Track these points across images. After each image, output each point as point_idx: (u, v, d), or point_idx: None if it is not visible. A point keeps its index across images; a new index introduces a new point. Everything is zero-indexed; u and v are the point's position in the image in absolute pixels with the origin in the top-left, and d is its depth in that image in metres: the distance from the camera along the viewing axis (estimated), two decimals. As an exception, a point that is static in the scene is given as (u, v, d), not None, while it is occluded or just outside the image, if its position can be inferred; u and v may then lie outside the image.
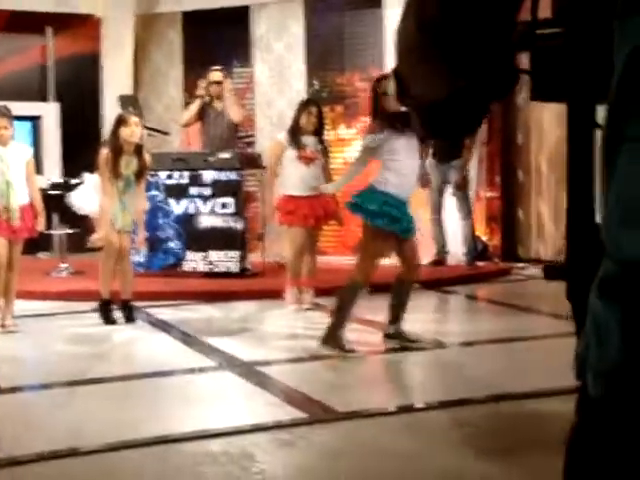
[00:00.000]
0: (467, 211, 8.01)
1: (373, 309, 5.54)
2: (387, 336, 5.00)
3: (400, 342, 4.94)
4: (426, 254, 8.08)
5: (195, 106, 7.97)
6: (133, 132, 5.71)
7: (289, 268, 6.41)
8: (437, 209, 8.06)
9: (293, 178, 6.29)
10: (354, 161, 5.35)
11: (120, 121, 5.76)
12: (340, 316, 4.81)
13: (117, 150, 5.71)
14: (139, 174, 5.80)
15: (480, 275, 7.84)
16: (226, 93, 7.91)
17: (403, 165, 4.78)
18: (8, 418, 3.87)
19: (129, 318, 5.91)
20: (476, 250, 8.11)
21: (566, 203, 1.07)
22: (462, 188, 7.96)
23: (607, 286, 0.71)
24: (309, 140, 6.26)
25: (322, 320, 5.87)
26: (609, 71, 0.72)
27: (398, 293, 4.93)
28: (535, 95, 0.96)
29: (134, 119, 5.76)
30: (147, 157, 5.88)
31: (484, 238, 8.58)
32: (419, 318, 6.18)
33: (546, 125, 8.33)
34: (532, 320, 6.25)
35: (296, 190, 6.24)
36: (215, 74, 7.99)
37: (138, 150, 5.79)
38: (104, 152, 5.75)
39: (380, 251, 4.84)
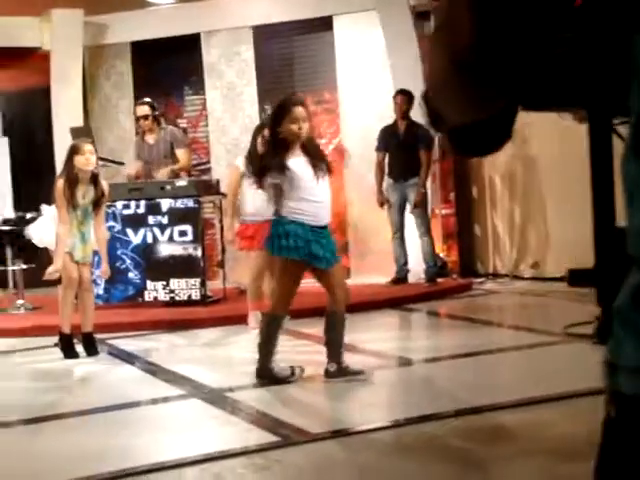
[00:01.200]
0: (426, 228, 8.09)
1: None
2: (327, 375, 4.69)
3: (344, 377, 4.67)
4: (388, 273, 8.15)
5: (136, 164, 7.92)
6: (88, 160, 5.65)
7: (250, 292, 6.40)
8: (398, 227, 8.13)
9: (251, 203, 6.30)
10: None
11: (74, 150, 5.71)
12: (266, 349, 4.68)
13: (73, 180, 5.65)
14: (97, 203, 5.75)
15: (441, 291, 7.91)
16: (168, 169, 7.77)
17: (312, 192, 4.55)
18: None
19: (91, 351, 5.83)
20: (436, 267, 8.19)
21: (591, 211, 1.09)
22: (421, 206, 8.05)
23: None
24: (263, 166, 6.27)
25: (287, 343, 5.86)
26: (626, 84, 0.74)
27: (329, 327, 4.69)
28: (525, 105, 0.98)
29: (88, 147, 5.71)
30: (104, 185, 5.83)
31: (442, 255, 8.66)
32: (383, 337, 6.21)
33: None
34: (494, 333, 6.32)
35: (254, 215, 6.25)
36: (140, 108, 7.84)
37: (94, 179, 5.74)
38: (60, 182, 5.69)
39: (292, 281, 4.61)
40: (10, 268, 8.47)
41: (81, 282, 5.74)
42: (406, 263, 8.14)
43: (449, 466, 3.33)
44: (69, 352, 5.77)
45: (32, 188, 8.36)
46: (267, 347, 4.69)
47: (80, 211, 5.70)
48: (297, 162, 4.57)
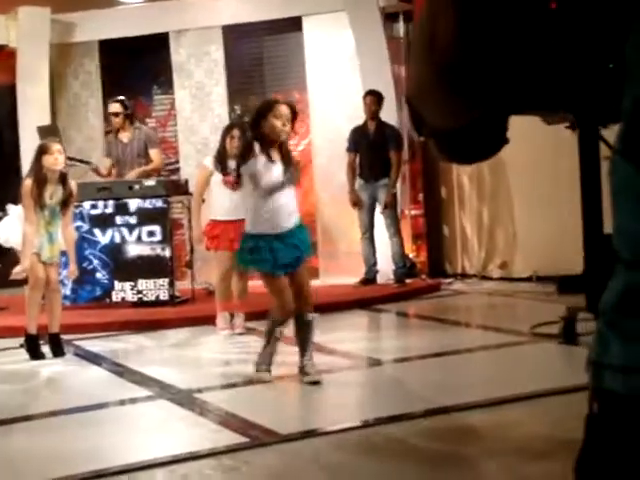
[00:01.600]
0: (396, 229, 8.12)
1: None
2: (302, 372, 4.71)
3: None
4: (357, 273, 8.17)
5: (106, 162, 7.92)
6: (56, 160, 5.60)
7: (218, 293, 6.39)
8: (367, 228, 8.15)
9: (219, 202, 6.29)
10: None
11: (42, 150, 5.65)
12: (266, 348, 4.73)
13: (41, 179, 5.59)
14: (65, 203, 5.69)
15: (410, 292, 7.94)
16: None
17: (275, 196, 4.54)
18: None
19: (58, 352, 5.77)
20: (405, 267, 8.22)
21: (582, 220, 1.10)
22: (391, 206, 8.08)
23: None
24: (234, 164, 6.27)
25: (255, 344, 5.85)
26: (617, 94, 0.75)
27: (297, 328, 4.72)
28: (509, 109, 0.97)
29: (57, 147, 5.66)
30: (73, 185, 5.77)
31: (411, 255, 8.70)
32: (352, 337, 6.22)
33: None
34: (463, 333, 6.36)
35: (222, 215, 6.24)
36: (112, 105, 7.86)
37: (63, 178, 5.69)
38: (27, 182, 5.62)
39: (278, 287, 4.60)
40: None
41: (48, 282, 5.68)
42: (375, 264, 8.16)
43: (418, 466, 3.34)
44: (35, 353, 5.71)
45: (-2, 187, 8.24)
46: (267, 348, 4.73)
47: (48, 211, 5.64)
48: (265, 162, 4.54)
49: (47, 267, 5.68)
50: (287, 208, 4.61)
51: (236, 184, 5.53)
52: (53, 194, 5.65)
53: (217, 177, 6.29)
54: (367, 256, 8.16)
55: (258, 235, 4.58)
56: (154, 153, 7.82)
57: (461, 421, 3.90)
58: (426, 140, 0.96)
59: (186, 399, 4.49)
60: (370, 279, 8.14)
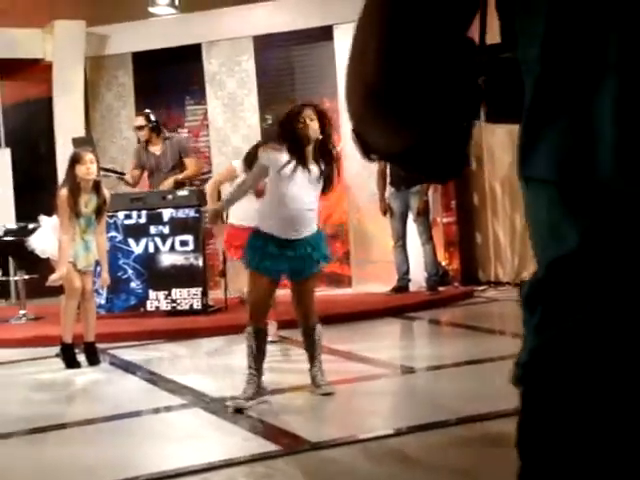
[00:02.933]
0: (428, 236, 8.10)
1: (345, 338, 5.55)
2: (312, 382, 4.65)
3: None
4: (389, 281, 8.15)
5: (133, 172, 7.97)
6: (89, 169, 5.68)
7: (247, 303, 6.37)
8: (400, 236, 8.12)
9: (241, 207, 6.27)
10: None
11: (75, 159, 5.74)
12: (248, 364, 4.59)
13: (75, 189, 5.67)
14: (99, 211, 5.78)
15: (442, 300, 7.91)
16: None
17: (296, 198, 4.38)
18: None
19: (93, 360, 5.83)
20: (437, 275, 8.19)
21: None
22: (423, 214, 8.05)
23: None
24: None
25: (287, 352, 5.87)
26: None
27: (303, 339, 4.65)
28: (490, 117, 0.96)
29: (89, 156, 5.74)
30: (106, 193, 5.86)
31: (443, 263, 8.66)
32: (384, 345, 6.21)
33: (498, 148, 8.48)
34: (496, 341, 6.31)
35: (242, 220, 6.19)
36: (136, 119, 8.00)
37: (96, 187, 5.77)
38: (63, 192, 5.71)
39: (258, 287, 4.46)
40: (12, 278, 8.49)
41: (84, 292, 5.75)
42: (408, 272, 8.14)
43: (451, 475, 3.32)
44: (70, 362, 5.78)
45: (34, 198, 8.37)
46: (248, 362, 4.57)
47: (83, 220, 5.72)
48: (294, 166, 4.39)
49: (82, 276, 5.75)
50: (305, 215, 4.43)
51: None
52: (88, 202, 5.74)
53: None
54: (400, 264, 8.14)
55: (267, 236, 4.41)
56: (189, 161, 7.91)
57: (494, 430, 3.87)
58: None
59: (219, 407, 4.51)
60: (403, 287, 8.12)
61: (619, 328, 0.68)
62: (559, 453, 0.73)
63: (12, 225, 8.16)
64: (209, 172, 9.44)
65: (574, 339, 0.70)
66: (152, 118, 7.90)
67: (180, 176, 7.83)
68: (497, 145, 8.50)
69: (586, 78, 0.70)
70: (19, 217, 8.45)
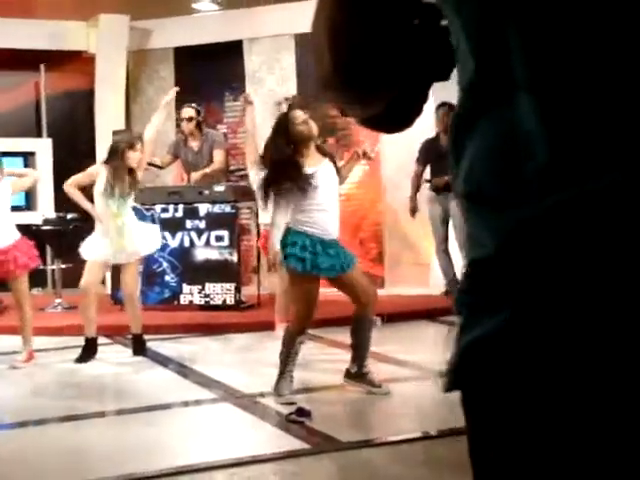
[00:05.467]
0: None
1: (378, 340, 5.52)
2: (347, 376, 4.65)
3: (361, 385, 4.62)
4: (423, 283, 8.08)
5: (167, 157, 7.97)
6: (140, 157, 5.80)
7: (278, 304, 6.38)
8: (442, 240, 7.96)
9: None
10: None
11: (129, 145, 5.80)
12: (283, 366, 4.62)
13: (119, 171, 5.74)
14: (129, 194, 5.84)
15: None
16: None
17: (324, 202, 4.39)
18: (3, 455, 3.83)
19: (138, 350, 5.88)
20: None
21: None
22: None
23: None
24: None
25: (317, 351, 5.87)
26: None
27: (355, 332, 4.60)
28: None
29: (139, 145, 5.84)
30: (139, 175, 5.91)
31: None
32: (419, 348, 6.18)
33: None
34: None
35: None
36: (186, 110, 7.87)
37: (132, 172, 5.84)
38: (103, 166, 5.84)
39: (306, 290, 4.42)
40: (49, 267, 8.59)
41: (124, 285, 5.82)
42: (455, 275, 7.93)
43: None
44: (84, 355, 5.75)
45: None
46: (283, 364, 4.61)
47: (114, 203, 5.75)
48: (319, 169, 4.41)
49: (122, 267, 5.82)
50: (333, 216, 4.47)
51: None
52: (123, 187, 5.79)
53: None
54: (445, 269, 7.92)
55: (302, 233, 4.40)
56: (216, 154, 7.88)
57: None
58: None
59: (249, 403, 4.53)
60: (450, 291, 7.96)
61: (536, 324, 0.68)
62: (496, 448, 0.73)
63: (51, 214, 8.26)
64: (245, 169, 9.47)
65: (498, 336, 0.70)
66: (201, 112, 7.96)
67: (208, 169, 7.84)
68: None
69: (500, 94, 0.70)
70: (58, 207, 8.54)
